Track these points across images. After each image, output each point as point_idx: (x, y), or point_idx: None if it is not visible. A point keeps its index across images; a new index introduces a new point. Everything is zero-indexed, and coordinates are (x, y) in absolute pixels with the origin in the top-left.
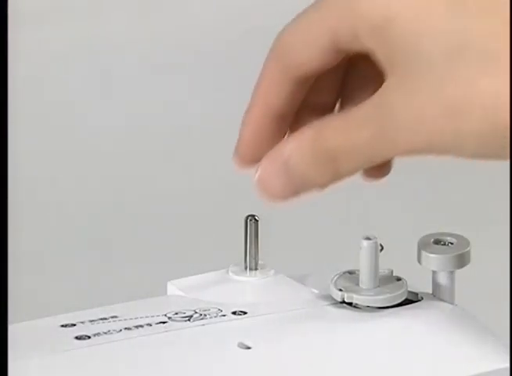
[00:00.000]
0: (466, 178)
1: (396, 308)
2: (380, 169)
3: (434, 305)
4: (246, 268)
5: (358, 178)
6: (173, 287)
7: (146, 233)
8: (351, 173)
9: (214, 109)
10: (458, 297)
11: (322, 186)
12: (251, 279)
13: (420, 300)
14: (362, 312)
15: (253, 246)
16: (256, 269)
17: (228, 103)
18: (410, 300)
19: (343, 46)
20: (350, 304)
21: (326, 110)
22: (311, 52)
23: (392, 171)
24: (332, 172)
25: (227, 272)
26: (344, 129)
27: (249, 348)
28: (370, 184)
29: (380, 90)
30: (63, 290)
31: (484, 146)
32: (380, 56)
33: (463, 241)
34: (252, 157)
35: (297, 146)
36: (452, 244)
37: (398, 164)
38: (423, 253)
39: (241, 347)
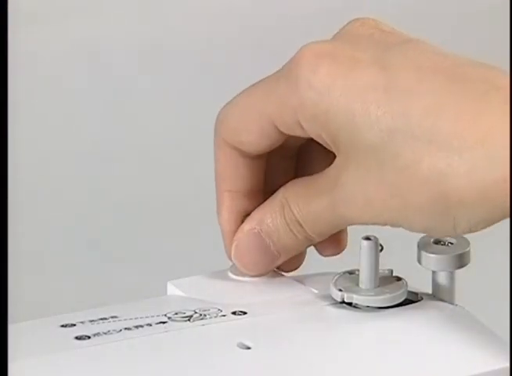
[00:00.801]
0: None
1: (396, 308)
2: (334, 245)
3: (434, 305)
4: None
5: None
6: (173, 287)
7: (146, 233)
8: (321, 236)
9: (216, 109)
10: (458, 297)
11: (295, 251)
12: (251, 279)
13: (420, 300)
14: (362, 312)
15: None
16: None
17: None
18: (410, 300)
19: (284, 131)
20: (350, 304)
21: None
22: (253, 136)
23: None
24: (302, 237)
25: (227, 272)
26: (306, 198)
27: (249, 348)
28: None
29: (333, 165)
30: (63, 290)
31: (430, 221)
32: (324, 140)
33: (463, 241)
34: None
35: (269, 213)
36: (451, 244)
37: None
38: (423, 253)
39: (241, 347)
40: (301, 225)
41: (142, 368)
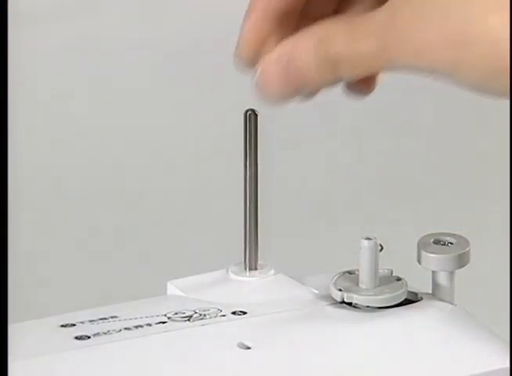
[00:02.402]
0: (466, 179)
1: (396, 308)
2: (366, 85)
3: (434, 305)
4: (246, 268)
5: (358, 180)
6: (173, 287)
7: (145, 233)
8: (350, 78)
9: (216, 110)
10: (458, 297)
11: (322, 87)
12: (251, 279)
13: (419, 300)
14: (362, 312)
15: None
16: (256, 269)
17: (231, 103)
18: (410, 300)
19: None
20: (350, 304)
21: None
22: None
23: (391, 172)
24: (332, 76)
25: (227, 272)
26: (350, 37)
27: (249, 348)
28: (370, 184)
29: (387, 5)
30: (63, 290)
31: (484, 79)
32: None
33: (463, 241)
34: (253, 56)
35: (301, 47)
36: (451, 244)
37: (396, 164)
38: (423, 253)
39: (241, 347)
40: (335, 63)
41: (141, 368)
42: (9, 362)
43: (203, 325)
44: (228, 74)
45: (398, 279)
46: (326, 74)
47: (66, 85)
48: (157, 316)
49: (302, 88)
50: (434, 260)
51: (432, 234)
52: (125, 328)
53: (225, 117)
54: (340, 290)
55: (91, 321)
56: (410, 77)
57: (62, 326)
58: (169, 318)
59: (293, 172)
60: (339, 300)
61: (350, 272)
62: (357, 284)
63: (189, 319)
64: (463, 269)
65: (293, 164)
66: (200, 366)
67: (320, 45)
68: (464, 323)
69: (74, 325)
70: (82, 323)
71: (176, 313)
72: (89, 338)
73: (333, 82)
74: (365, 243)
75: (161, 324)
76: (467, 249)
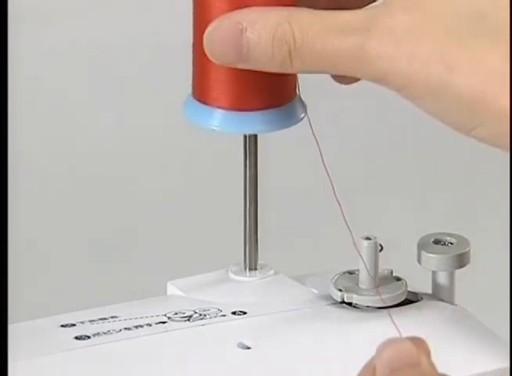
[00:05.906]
0: (466, 178)
1: (396, 308)
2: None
3: (434, 305)
4: (246, 268)
5: (358, 180)
6: (173, 287)
7: (145, 233)
8: (299, 72)
9: None
10: (458, 297)
11: (267, 66)
12: (251, 279)
13: (419, 300)
14: (362, 312)
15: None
16: (256, 269)
17: None
18: (410, 300)
19: None
20: (350, 304)
21: None
22: None
23: (391, 172)
24: (283, 64)
25: (227, 272)
26: (321, 29)
27: (249, 348)
28: (371, 184)
29: (374, 5)
30: (63, 290)
31: (458, 115)
32: None
33: (463, 241)
34: None
35: (262, 22)
36: (451, 244)
37: (397, 165)
38: (423, 253)
39: (241, 347)
40: (291, 50)
41: (141, 368)
42: (9, 362)
43: (203, 325)
44: None
45: (398, 279)
46: (277, 58)
47: (66, 85)
48: (157, 316)
49: (248, 61)
50: (434, 260)
51: (432, 234)
52: (125, 328)
53: None
54: (340, 290)
55: (91, 321)
56: None
57: (62, 326)
58: (169, 318)
59: (293, 172)
60: (339, 300)
61: (350, 273)
62: (357, 284)
63: (189, 319)
64: (463, 269)
65: (292, 164)
66: (200, 366)
67: (282, 27)
68: (464, 323)
69: (74, 325)
70: (82, 323)
71: (176, 313)
72: (89, 338)
73: (280, 68)
74: (365, 243)
75: (161, 324)
76: (467, 249)
